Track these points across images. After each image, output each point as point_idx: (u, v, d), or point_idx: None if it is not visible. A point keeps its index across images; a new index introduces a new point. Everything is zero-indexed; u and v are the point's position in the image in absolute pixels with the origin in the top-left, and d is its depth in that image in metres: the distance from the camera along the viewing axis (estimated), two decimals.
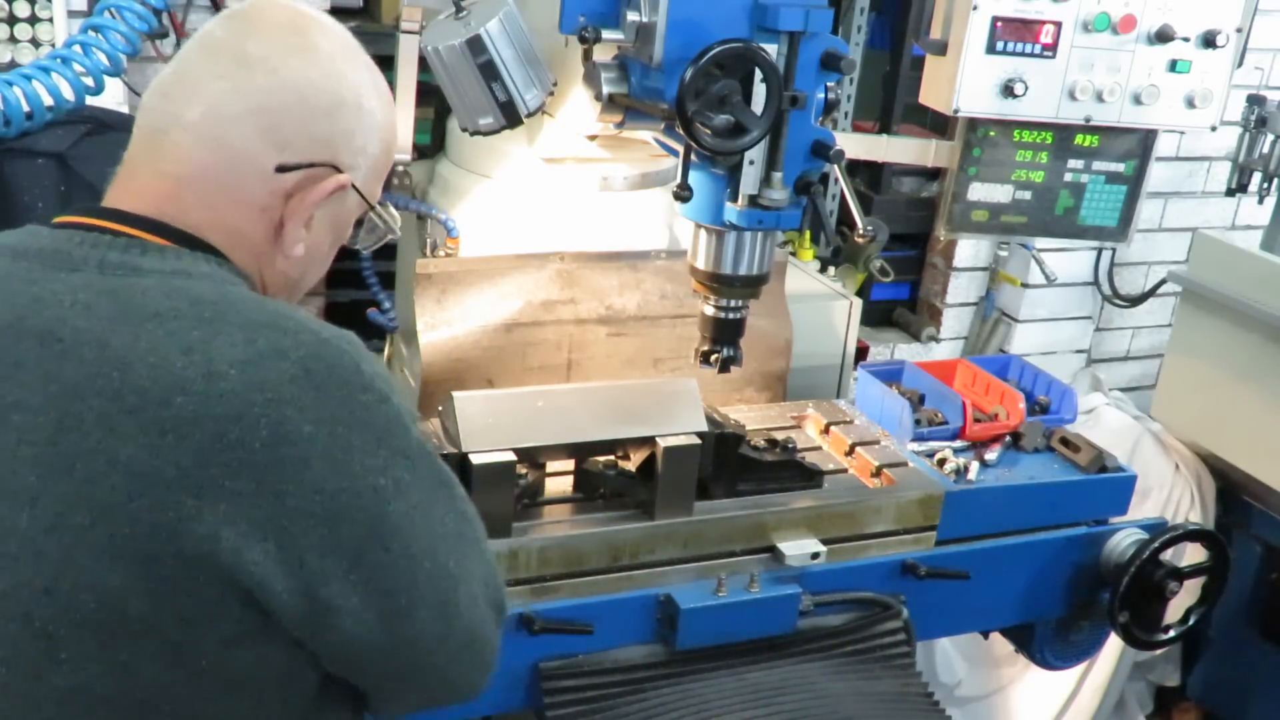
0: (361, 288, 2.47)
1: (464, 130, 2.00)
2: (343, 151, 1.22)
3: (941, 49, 2.19)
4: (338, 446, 1.05)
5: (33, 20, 2.55)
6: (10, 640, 1.05)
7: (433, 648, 1.17)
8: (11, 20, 2.53)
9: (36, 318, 1.08)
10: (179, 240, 1.15)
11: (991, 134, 2.24)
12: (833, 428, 2.18)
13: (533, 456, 1.83)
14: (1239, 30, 2.21)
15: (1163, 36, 2.16)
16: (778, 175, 1.73)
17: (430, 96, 2.32)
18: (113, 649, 1.05)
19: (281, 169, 1.18)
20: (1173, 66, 2.20)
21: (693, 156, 1.73)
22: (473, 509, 1.23)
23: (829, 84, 1.78)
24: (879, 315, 3.87)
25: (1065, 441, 2.19)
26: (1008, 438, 2.20)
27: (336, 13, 3.12)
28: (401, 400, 1.14)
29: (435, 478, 1.16)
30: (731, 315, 1.90)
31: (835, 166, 1.82)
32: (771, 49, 1.67)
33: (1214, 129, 2.28)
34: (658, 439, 1.80)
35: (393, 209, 1.36)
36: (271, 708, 1.15)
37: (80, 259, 1.12)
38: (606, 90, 1.77)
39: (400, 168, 2.29)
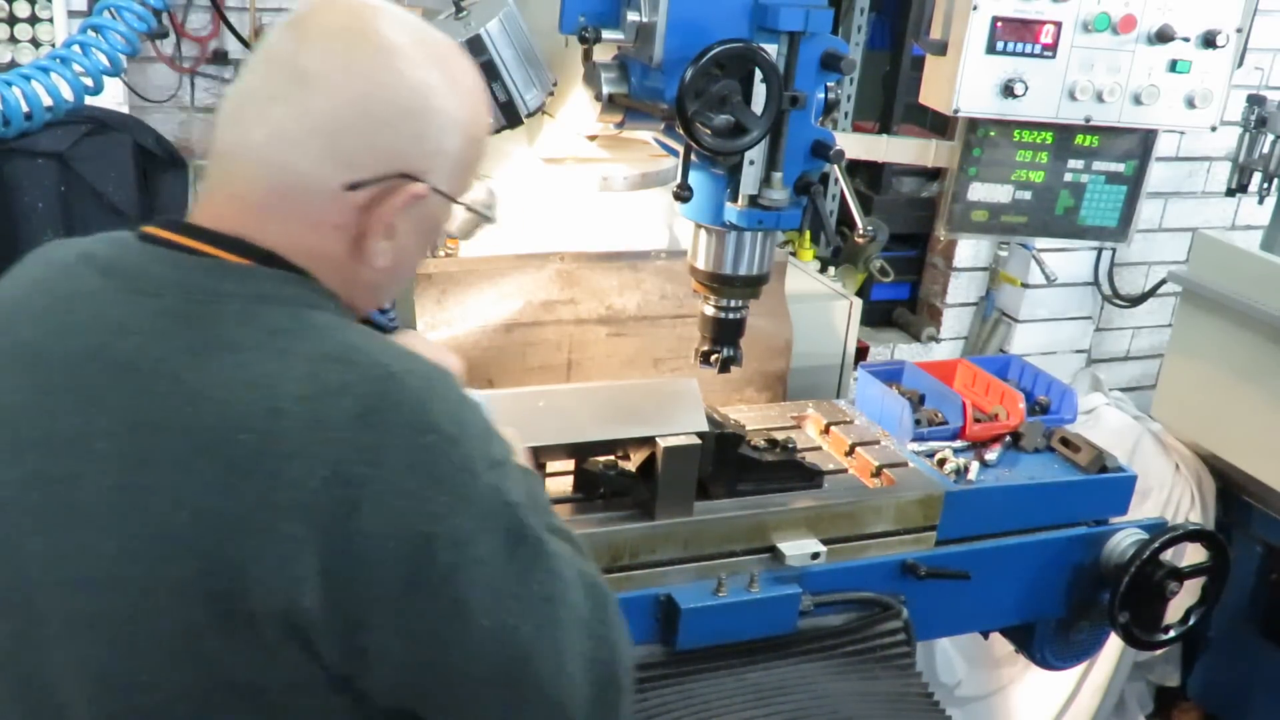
0: None
1: None
2: (414, 158, 1.15)
3: (941, 49, 2.19)
4: (390, 490, 1.00)
5: (33, 20, 2.55)
6: (102, 662, 1.05)
7: (499, 711, 1.10)
8: (11, 20, 2.53)
9: (120, 344, 1.07)
10: (262, 260, 1.12)
11: (991, 134, 2.24)
12: (833, 428, 2.18)
13: (533, 456, 1.83)
14: (1239, 30, 2.21)
15: (1163, 36, 2.16)
16: (778, 175, 1.73)
17: None
18: (188, 677, 1.04)
19: (350, 187, 1.13)
20: (1173, 66, 2.20)
21: (693, 156, 1.73)
22: (583, 579, 1.13)
23: (829, 84, 1.78)
24: (879, 315, 3.87)
25: (1065, 441, 2.19)
26: (1008, 438, 2.20)
27: None
28: (482, 444, 1.07)
29: (517, 533, 1.06)
30: (731, 315, 1.89)
31: (835, 166, 1.82)
32: (771, 49, 1.67)
33: (1214, 129, 2.28)
34: (658, 439, 1.80)
35: (491, 192, 1.29)
36: None
37: (162, 282, 1.10)
38: (606, 90, 1.77)
39: None
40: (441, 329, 2.04)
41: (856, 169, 3.73)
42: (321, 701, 1.06)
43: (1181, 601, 2.16)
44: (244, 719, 1.06)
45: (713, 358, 1.90)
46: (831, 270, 3.34)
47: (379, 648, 1.02)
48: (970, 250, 3.70)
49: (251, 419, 1.00)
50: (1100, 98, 2.18)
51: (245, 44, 2.75)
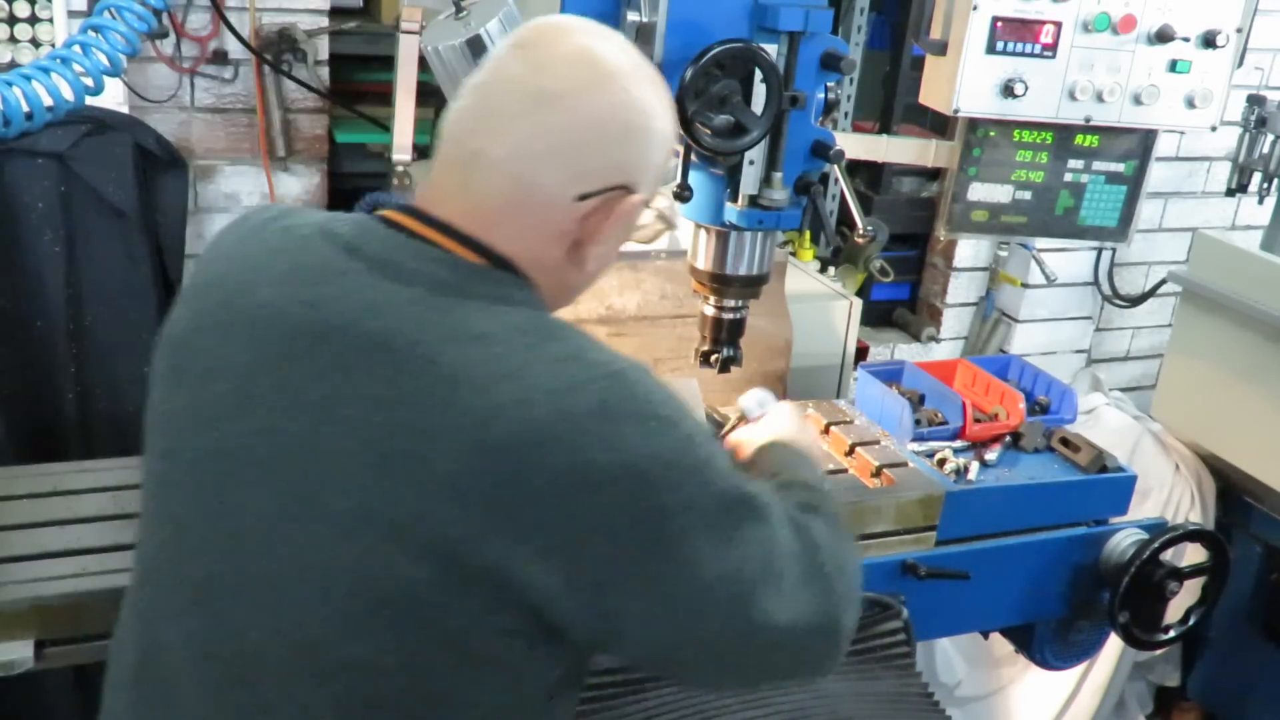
0: None
1: None
2: (634, 171, 1.27)
3: (941, 49, 2.18)
4: (627, 472, 1.10)
5: (33, 20, 2.54)
6: (311, 608, 1.13)
7: (735, 650, 1.19)
8: (11, 20, 2.53)
9: (371, 323, 1.14)
10: (496, 264, 1.22)
11: (991, 134, 2.24)
12: (833, 428, 2.18)
13: None
14: (1239, 30, 2.21)
15: (1163, 36, 2.16)
16: (778, 175, 1.73)
17: (430, 96, 2.33)
18: (402, 629, 1.12)
19: (581, 197, 1.23)
20: (1173, 66, 2.20)
21: (693, 156, 1.73)
22: (791, 523, 1.24)
23: (829, 84, 1.78)
24: (879, 315, 3.86)
25: (1065, 441, 2.19)
26: (1008, 438, 2.20)
27: (336, 13, 3.13)
28: (693, 423, 1.18)
29: (731, 494, 1.17)
30: (731, 315, 1.89)
31: (835, 166, 1.82)
32: (771, 49, 1.67)
33: (1214, 129, 2.28)
34: None
35: (671, 204, 1.42)
36: (524, 689, 1.21)
37: (412, 273, 1.18)
38: None
39: (400, 168, 2.29)
40: None
41: (856, 169, 3.73)
42: (527, 654, 1.17)
43: (1181, 601, 2.16)
44: (448, 674, 1.14)
45: (713, 358, 1.90)
46: (831, 270, 3.33)
47: (625, 614, 1.13)
48: (970, 250, 3.70)
49: (505, 407, 1.09)
50: (1100, 98, 2.18)
51: (245, 44, 2.75)
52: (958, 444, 2.15)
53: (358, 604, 1.12)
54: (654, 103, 1.28)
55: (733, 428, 1.72)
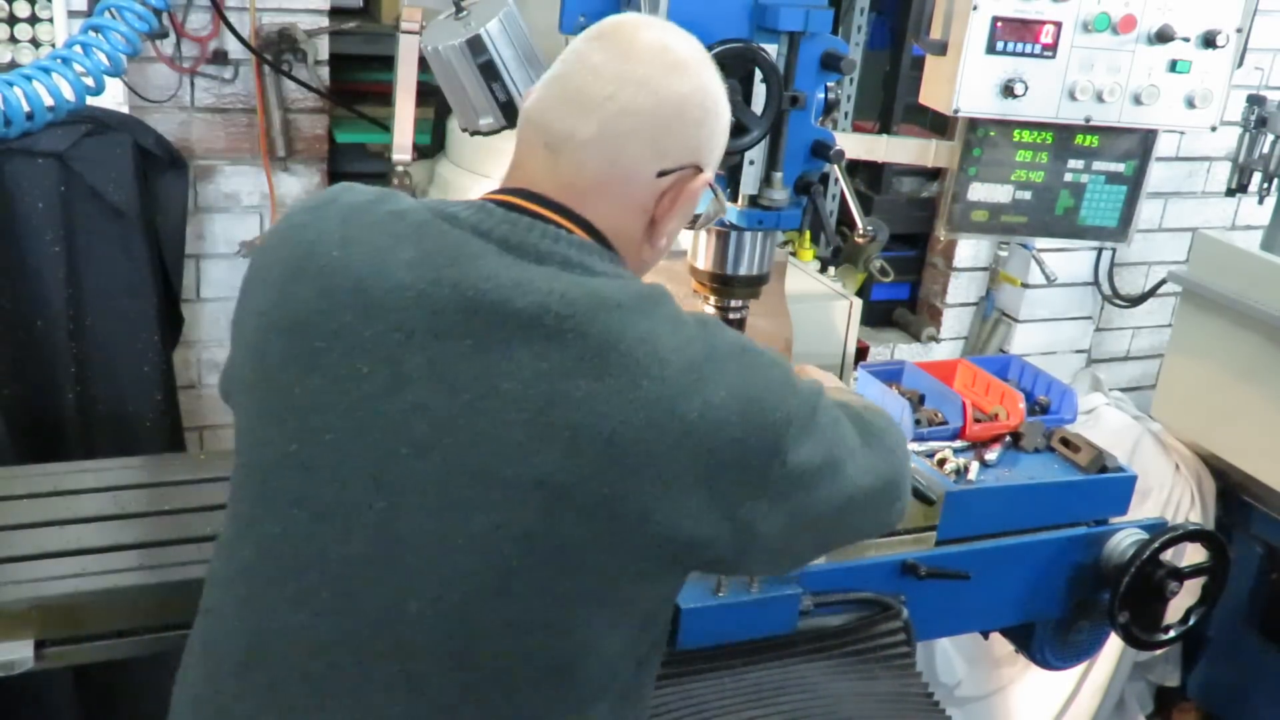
0: None
1: (464, 130, 2.00)
2: (704, 153, 1.39)
3: (941, 49, 2.18)
4: (747, 403, 1.23)
5: (33, 20, 2.55)
6: (473, 573, 1.21)
7: (834, 521, 1.36)
8: (11, 20, 2.53)
9: (521, 300, 1.22)
10: (600, 240, 1.33)
11: (991, 134, 2.23)
12: None
13: None
14: (1239, 30, 2.21)
15: (1163, 36, 2.16)
16: (778, 175, 1.73)
17: (430, 96, 2.33)
18: (560, 584, 1.22)
19: (661, 174, 1.35)
20: (1173, 66, 2.19)
21: None
22: (853, 421, 1.41)
23: (829, 84, 1.78)
24: (879, 315, 3.86)
25: (1065, 441, 2.19)
26: (1008, 438, 2.20)
27: (336, 13, 3.13)
28: (777, 354, 1.35)
29: (817, 406, 1.32)
30: (732, 315, 1.89)
31: (835, 166, 1.82)
32: (771, 49, 1.67)
33: (1214, 129, 2.28)
34: None
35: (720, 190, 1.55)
36: (644, 635, 1.36)
37: (544, 253, 1.27)
38: None
39: (400, 168, 2.29)
40: None
41: (856, 169, 3.73)
42: (655, 599, 1.34)
43: (1181, 601, 2.16)
44: (586, 625, 1.26)
45: None
46: (831, 270, 3.33)
47: (755, 520, 1.26)
48: (970, 250, 3.70)
49: (649, 368, 1.21)
50: (1100, 98, 2.18)
51: (245, 44, 2.75)
52: (958, 444, 2.15)
53: (522, 564, 1.21)
54: (720, 90, 1.40)
55: None
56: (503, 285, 1.23)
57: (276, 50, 2.80)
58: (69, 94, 1.90)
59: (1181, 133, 3.55)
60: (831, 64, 1.75)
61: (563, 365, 1.20)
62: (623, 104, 1.31)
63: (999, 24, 2.11)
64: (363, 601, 1.24)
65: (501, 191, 1.35)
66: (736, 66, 1.63)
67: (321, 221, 1.33)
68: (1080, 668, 3.07)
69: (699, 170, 1.38)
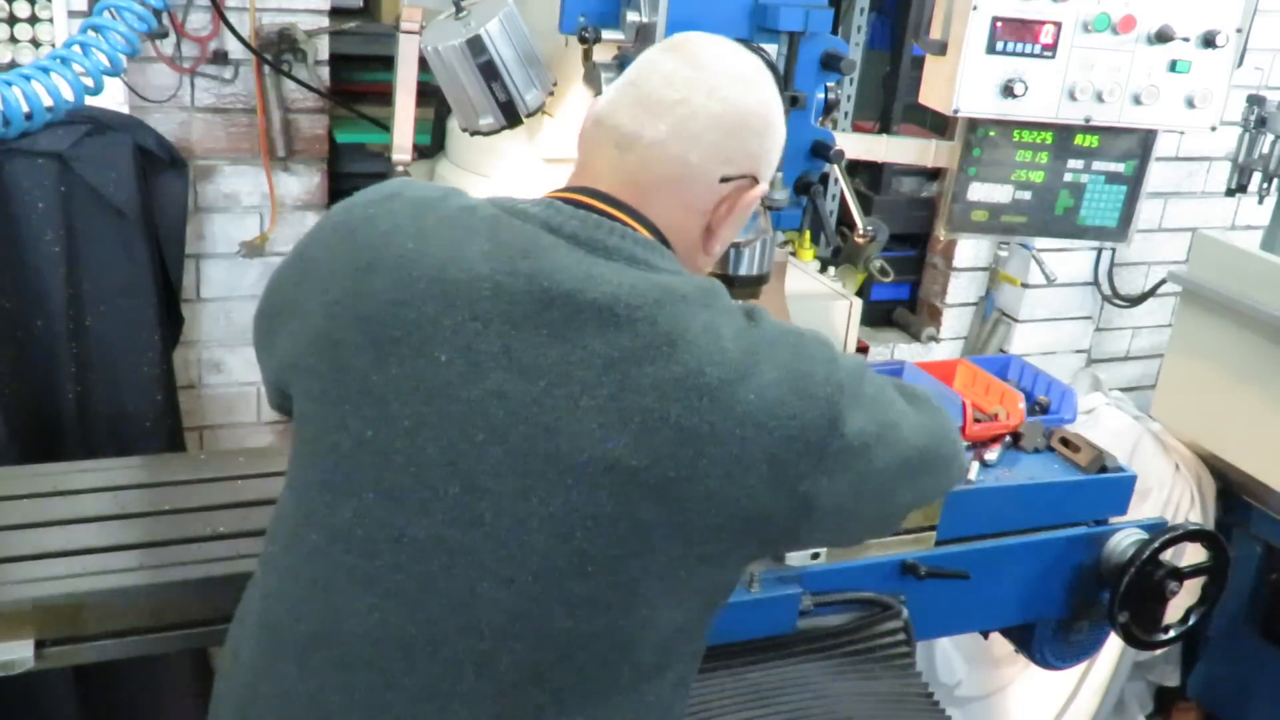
0: None
1: (464, 130, 2.00)
2: (763, 164, 1.44)
3: (941, 49, 2.18)
4: (793, 383, 1.28)
5: (33, 20, 2.55)
6: (546, 555, 1.25)
7: (895, 484, 1.39)
8: (11, 20, 2.53)
9: (594, 292, 1.27)
10: (660, 239, 1.38)
11: (991, 134, 2.23)
12: None
13: None
14: (1239, 30, 2.20)
15: (1163, 36, 2.16)
16: (778, 175, 1.73)
17: (430, 96, 2.32)
18: (629, 566, 1.26)
19: (724, 179, 1.40)
20: (1173, 66, 2.19)
21: None
22: (903, 395, 1.44)
23: (829, 84, 1.78)
24: (879, 315, 3.86)
25: (1065, 441, 2.19)
26: (1008, 438, 2.20)
27: (336, 13, 3.12)
28: (825, 337, 1.38)
29: (855, 361, 1.39)
30: None
31: (835, 166, 1.82)
32: (771, 49, 1.67)
33: (1214, 129, 2.28)
34: None
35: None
36: (701, 622, 1.39)
37: (611, 249, 1.32)
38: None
39: (400, 168, 2.29)
40: None
41: (856, 169, 3.73)
42: (722, 564, 1.34)
43: (1181, 601, 2.16)
44: (647, 606, 1.29)
45: None
46: (831, 270, 3.33)
47: (817, 493, 1.29)
48: (970, 250, 3.70)
49: (709, 354, 1.26)
50: (1100, 98, 2.18)
51: (245, 44, 2.75)
52: None
53: (593, 546, 1.24)
54: (779, 108, 1.46)
55: None
56: (575, 277, 1.27)
57: (276, 50, 2.80)
58: (68, 94, 1.90)
59: (1181, 133, 3.55)
60: (831, 64, 1.75)
61: (634, 353, 1.24)
62: (693, 108, 1.37)
63: (999, 24, 2.11)
64: (435, 584, 1.27)
65: (568, 190, 1.39)
66: None
67: (392, 214, 1.36)
68: (1080, 668, 3.07)
69: (755, 182, 1.43)
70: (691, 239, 1.42)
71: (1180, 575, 2.10)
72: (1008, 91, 2.14)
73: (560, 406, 1.24)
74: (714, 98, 1.38)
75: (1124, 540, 2.11)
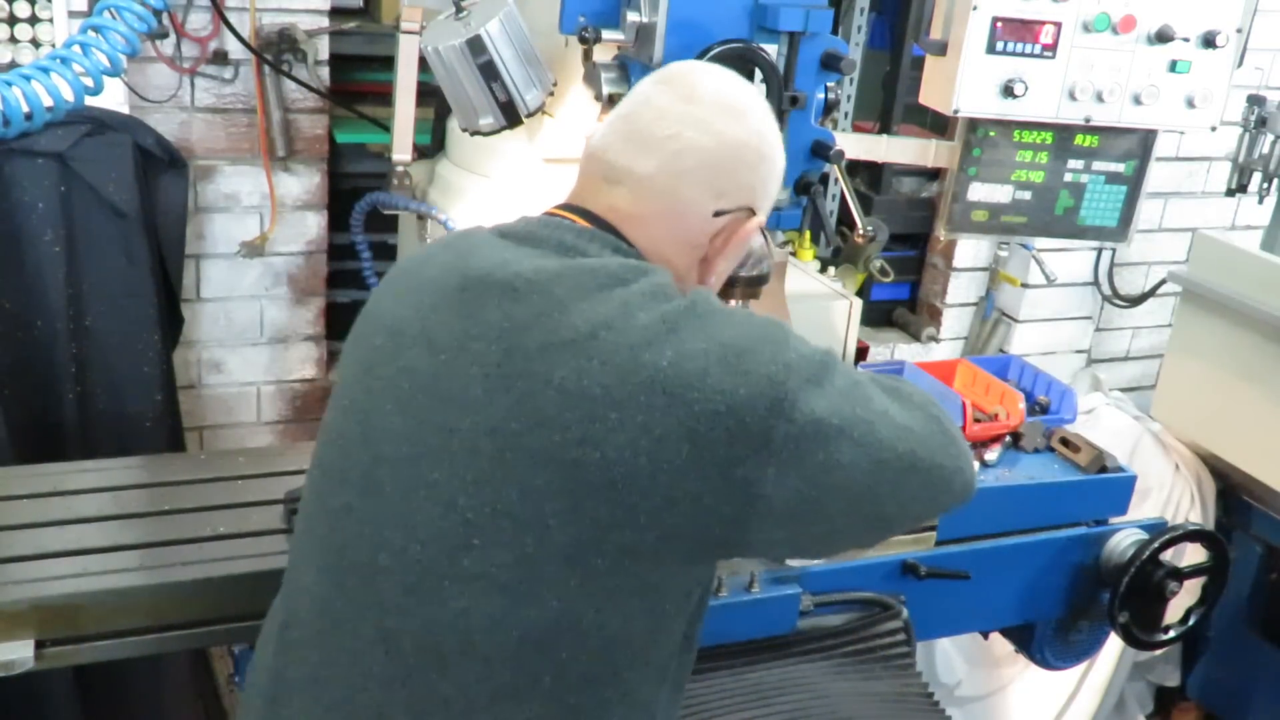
0: (362, 288, 2.46)
1: (464, 130, 2.00)
2: (759, 196, 1.43)
3: (941, 49, 2.18)
4: (736, 360, 1.23)
5: (33, 20, 2.54)
6: (432, 523, 1.25)
7: (871, 484, 1.28)
8: (11, 20, 2.53)
9: (501, 272, 1.30)
10: (638, 258, 1.36)
11: (991, 134, 2.23)
12: None
13: None
14: (1239, 30, 2.20)
15: (1163, 37, 2.16)
16: None
17: (430, 96, 2.32)
18: (521, 540, 1.22)
19: (717, 213, 1.39)
20: (1173, 67, 2.19)
21: None
22: (885, 391, 1.37)
23: (829, 84, 1.78)
24: (879, 315, 3.87)
25: (1065, 441, 2.19)
26: (1008, 438, 2.20)
27: (336, 13, 3.12)
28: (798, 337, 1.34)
29: (830, 366, 1.31)
30: None
31: (835, 166, 1.82)
32: (771, 49, 1.67)
33: (1214, 129, 2.28)
34: None
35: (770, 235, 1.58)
36: (654, 637, 1.30)
37: (542, 239, 1.34)
38: (606, 90, 1.77)
39: (400, 168, 2.29)
40: None
41: (856, 169, 3.73)
42: (658, 570, 1.26)
43: (1181, 601, 2.16)
44: (570, 572, 1.22)
45: None
46: (831, 270, 3.33)
47: (770, 484, 1.22)
48: (970, 250, 3.70)
49: (614, 320, 1.23)
50: (1100, 98, 2.18)
51: (245, 44, 2.75)
52: None
53: (479, 515, 1.23)
54: (777, 138, 1.45)
55: None
56: (492, 262, 1.32)
57: (276, 50, 2.80)
58: (68, 94, 1.90)
59: (1181, 133, 3.55)
60: (831, 64, 1.75)
61: (525, 321, 1.25)
62: (684, 143, 1.36)
63: (999, 24, 2.11)
64: (346, 555, 1.32)
65: (555, 206, 1.41)
66: (736, 67, 1.63)
67: (432, 246, 1.51)
68: (1080, 668, 3.07)
69: (752, 213, 1.42)
70: (682, 269, 1.40)
71: (1180, 575, 2.10)
72: (1008, 91, 2.14)
73: (453, 377, 1.27)
74: (706, 132, 1.37)
75: (1124, 540, 2.11)
